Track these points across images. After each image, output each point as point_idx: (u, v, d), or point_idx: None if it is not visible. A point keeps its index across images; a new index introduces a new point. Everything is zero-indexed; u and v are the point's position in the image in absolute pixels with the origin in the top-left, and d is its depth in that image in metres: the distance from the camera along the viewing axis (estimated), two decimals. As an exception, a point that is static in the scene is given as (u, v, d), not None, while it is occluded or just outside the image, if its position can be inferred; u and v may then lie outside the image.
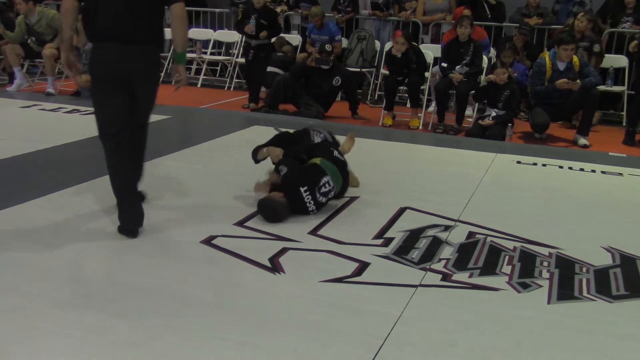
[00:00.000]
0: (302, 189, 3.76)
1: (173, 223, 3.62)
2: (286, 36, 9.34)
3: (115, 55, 3.32)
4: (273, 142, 4.27)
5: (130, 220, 3.40)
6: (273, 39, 8.13)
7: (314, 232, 3.58)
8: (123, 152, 3.45)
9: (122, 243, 3.30)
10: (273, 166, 4.09)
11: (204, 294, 2.78)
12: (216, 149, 5.50)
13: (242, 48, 8.01)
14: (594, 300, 2.93)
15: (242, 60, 8.49)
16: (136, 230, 3.39)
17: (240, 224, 3.65)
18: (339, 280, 2.98)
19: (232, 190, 4.22)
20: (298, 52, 9.02)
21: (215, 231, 3.49)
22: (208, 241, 3.37)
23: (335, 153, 4.11)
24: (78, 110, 6.93)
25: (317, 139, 4.29)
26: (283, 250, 3.28)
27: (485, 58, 7.55)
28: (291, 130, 4.52)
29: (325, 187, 3.84)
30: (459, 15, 7.63)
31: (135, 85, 3.41)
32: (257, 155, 4.25)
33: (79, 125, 6.23)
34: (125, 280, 2.87)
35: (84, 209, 3.76)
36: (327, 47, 7.71)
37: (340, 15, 9.32)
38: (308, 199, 3.78)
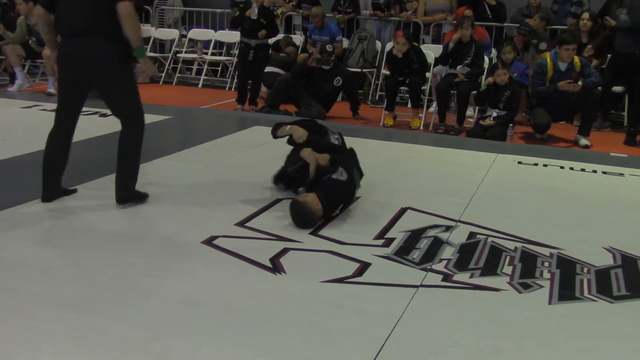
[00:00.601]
0: (342, 203, 3.81)
1: (174, 223, 3.62)
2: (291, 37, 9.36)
3: (70, 48, 3.63)
4: (298, 124, 4.15)
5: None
6: (271, 40, 8.12)
7: (314, 232, 3.58)
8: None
9: (123, 243, 3.30)
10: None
11: (205, 294, 2.78)
12: (217, 149, 5.50)
13: (238, 49, 7.96)
14: (595, 300, 2.92)
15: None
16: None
17: (241, 224, 3.65)
18: (340, 280, 2.98)
19: (233, 191, 4.22)
20: (299, 52, 9.03)
21: (216, 231, 3.49)
22: (209, 241, 3.36)
23: (358, 163, 4.11)
24: (79, 111, 6.93)
25: (334, 141, 4.19)
26: (284, 251, 3.28)
27: (486, 58, 7.55)
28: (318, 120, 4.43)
29: (351, 203, 3.96)
30: (460, 16, 7.63)
31: (91, 79, 3.70)
32: (277, 131, 4.10)
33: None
34: (126, 281, 2.87)
35: (85, 209, 3.76)
36: (328, 47, 7.71)
37: (341, 15, 9.32)
38: (339, 208, 3.82)
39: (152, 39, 10.45)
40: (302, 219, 3.63)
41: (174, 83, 9.86)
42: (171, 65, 10.20)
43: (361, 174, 4.07)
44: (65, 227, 3.48)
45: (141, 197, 3.90)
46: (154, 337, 2.41)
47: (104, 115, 6.75)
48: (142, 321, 2.52)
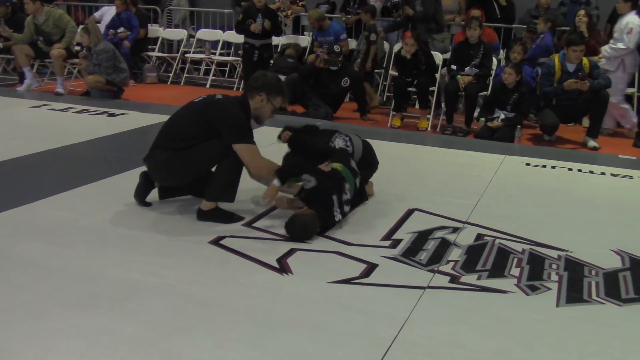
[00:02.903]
0: (334, 197, 3.57)
1: (181, 223, 3.62)
2: (297, 37, 9.37)
3: None
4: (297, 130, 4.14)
5: None
6: (279, 42, 8.12)
7: (321, 233, 3.57)
8: None
9: (131, 243, 3.31)
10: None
11: (212, 294, 2.78)
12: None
13: (242, 50, 7.96)
14: (603, 303, 2.91)
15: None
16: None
17: (249, 224, 3.66)
18: (347, 281, 2.98)
19: (240, 191, 4.21)
20: (307, 53, 9.03)
21: (223, 231, 3.49)
22: (216, 241, 3.37)
23: (353, 164, 3.90)
24: (87, 110, 6.97)
25: (337, 144, 4.08)
26: (291, 251, 3.28)
27: (494, 60, 7.53)
28: (319, 124, 4.35)
29: (346, 195, 3.66)
30: (468, 17, 7.62)
31: None
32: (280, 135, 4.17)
33: (89, 125, 6.26)
34: (134, 280, 2.87)
35: (93, 209, 3.77)
36: (336, 47, 7.70)
37: (349, 16, 9.32)
38: (336, 206, 3.58)
39: (160, 39, 10.48)
40: (304, 227, 3.47)
41: (182, 83, 9.88)
42: (179, 66, 10.23)
43: (354, 174, 3.85)
44: (72, 227, 3.50)
45: (219, 216, 3.67)
46: (161, 336, 2.42)
47: (112, 115, 6.79)
48: (150, 320, 2.53)
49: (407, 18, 8.39)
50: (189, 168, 3.61)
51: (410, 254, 3.34)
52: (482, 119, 6.85)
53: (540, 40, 7.75)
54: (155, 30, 10.60)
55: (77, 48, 8.66)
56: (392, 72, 8.02)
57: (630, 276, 3.21)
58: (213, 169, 3.69)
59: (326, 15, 8.73)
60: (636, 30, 7.12)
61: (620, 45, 7.20)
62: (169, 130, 3.69)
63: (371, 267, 3.14)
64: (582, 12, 7.62)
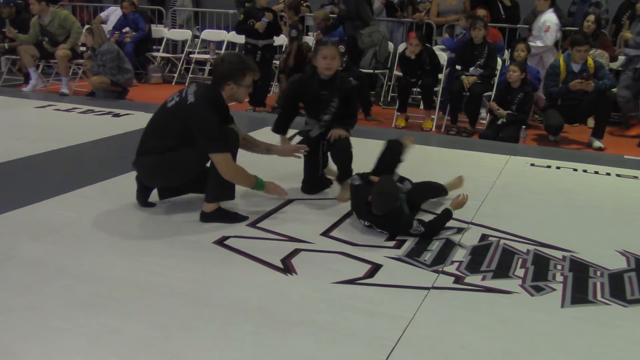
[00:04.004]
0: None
1: (186, 224, 3.63)
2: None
3: None
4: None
5: None
6: (283, 42, 8.14)
7: (326, 233, 3.58)
8: None
9: (135, 243, 3.32)
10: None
11: (216, 294, 2.78)
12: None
13: (244, 50, 7.96)
14: (608, 304, 2.90)
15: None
16: None
17: (253, 224, 3.66)
18: (351, 281, 2.97)
19: (244, 191, 4.22)
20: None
21: (227, 232, 3.50)
22: (220, 242, 3.37)
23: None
24: (92, 111, 6.98)
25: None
26: (295, 252, 3.28)
27: (499, 60, 7.52)
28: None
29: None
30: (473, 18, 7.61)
31: None
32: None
33: (94, 125, 6.27)
34: (139, 280, 2.88)
35: (98, 209, 3.78)
36: (340, 47, 7.69)
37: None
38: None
39: (165, 39, 10.50)
40: (391, 196, 3.52)
41: (186, 83, 9.89)
42: (184, 66, 10.24)
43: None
44: (77, 227, 3.50)
45: (223, 216, 3.68)
46: (165, 336, 2.42)
47: (117, 115, 6.80)
48: (154, 320, 2.53)
49: (337, 19, 8.42)
50: (178, 169, 3.60)
51: (414, 255, 3.34)
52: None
53: (463, 35, 7.91)
54: (160, 30, 10.62)
55: (82, 49, 8.68)
56: (397, 73, 8.01)
57: (635, 277, 3.20)
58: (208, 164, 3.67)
59: (331, 15, 8.73)
60: (553, 29, 7.45)
61: (539, 43, 7.51)
62: (148, 136, 3.68)
63: (375, 268, 3.13)
64: (592, 17, 7.60)
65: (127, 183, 4.23)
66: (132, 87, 8.21)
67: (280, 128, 4.43)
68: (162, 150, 3.55)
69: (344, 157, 4.24)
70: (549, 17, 7.52)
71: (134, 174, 3.83)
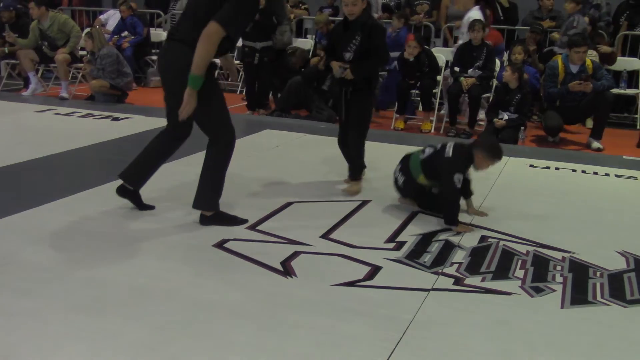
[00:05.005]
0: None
1: (185, 227, 3.63)
2: (299, 40, 9.38)
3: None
4: None
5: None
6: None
7: (325, 235, 3.58)
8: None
9: (135, 247, 3.32)
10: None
11: (216, 297, 2.79)
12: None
13: (242, 53, 7.95)
14: (608, 305, 2.90)
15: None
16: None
17: (253, 227, 3.66)
18: (351, 284, 2.98)
19: (243, 194, 4.23)
20: (310, 56, 9.04)
21: (227, 235, 3.50)
22: (220, 245, 3.37)
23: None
24: (92, 115, 6.99)
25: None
26: (295, 254, 3.28)
27: (498, 62, 7.53)
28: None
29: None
30: (472, 20, 7.63)
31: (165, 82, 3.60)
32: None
33: (93, 129, 6.28)
34: (139, 284, 2.88)
35: (98, 213, 3.78)
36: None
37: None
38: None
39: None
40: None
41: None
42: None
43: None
44: (77, 231, 3.51)
45: (222, 219, 3.67)
46: (166, 340, 2.43)
47: (117, 119, 6.81)
48: (155, 324, 2.54)
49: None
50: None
51: (414, 256, 3.34)
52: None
53: (396, 34, 8.01)
54: (159, 34, 10.63)
55: (82, 53, 8.70)
56: (396, 75, 8.01)
57: (635, 277, 3.20)
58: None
59: (330, 18, 8.75)
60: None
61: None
62: (181, 21, 3.59)
63: (375, 270, 3.14)
64: (586, 19, 7.64)
65: (126, 187, 4.24)
66: (131, 90, 8.22)
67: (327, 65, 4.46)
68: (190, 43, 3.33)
69: (352, 151, 4.39)
70: (474, 14, 7.70)
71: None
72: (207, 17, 3.28)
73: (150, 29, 10.68)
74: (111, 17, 10.50)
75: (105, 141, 5.76)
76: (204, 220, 3.65)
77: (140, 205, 3.86)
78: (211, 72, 3.48)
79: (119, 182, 3.81)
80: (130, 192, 3.82)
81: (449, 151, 3.83)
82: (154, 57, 10.36)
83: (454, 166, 3.78)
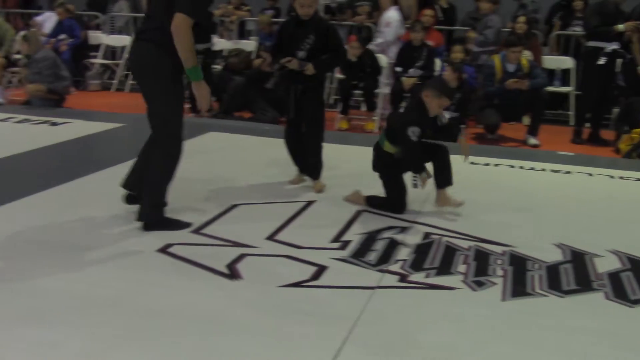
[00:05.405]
0: None
1: (128, 232, 3.57)
2: (242, 42, 9.34)
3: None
4: None
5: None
6: (223, 47, 8.08)
7: (271, 237, 3.58)
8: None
9: (75, 254, 3.24)
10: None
11: (161, 303, 2.75)
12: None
13: None
14: (546, 295, 3.00)
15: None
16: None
17: (197, 231, 3.63)
18: (297, 284, 2.99)
19: (187, 197, 4.18)
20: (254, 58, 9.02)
21: (171, 239, 3.46)
22: (164, 249, 3.33)
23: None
24: (29, 120, 6.78)
25: None
26: (241, 257, 3.27)
27: (438, 62, 7.67)
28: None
29: None
30: (414, 20, 7.79)
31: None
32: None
33: (30, 135, 6.09)
34: (80, 292, 2.81)
35: (37, 221, 3.67)
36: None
37: None
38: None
39: (103, 46, 10.30)
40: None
41: (126, 90, 9.73)
42: (124, 72, 10.05)
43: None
44: (15, 239, 3.40)
45: (168, 225, 3.61)
46: (109, 348, 2.38)
47: (55, 124, 6.63)
48: (98, 332, 2.48)
49: None
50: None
51: (359, 255, 3.38)
52: None
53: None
54: (98, 37, 10.40)
55: (18, 56, 8.43)
56: (338, 75, 8.07)
57: (571, 268, 3.32)
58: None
59: (273, 20, 8.76)
60: (394, 25, 7.92)
61: (381, 39, 7.94)
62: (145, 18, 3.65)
63: (321, 270, 3.16)
64: (523, 18, 7.89)
65: (65, 194, 4.14)
66: (69, 94, 8.01)
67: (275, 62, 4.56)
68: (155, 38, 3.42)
69: (312, 152, 4.48)
70: (392, 14, 8.04)
71: (72, 184, 3.75)
72: (164, 12, 3.33)
73: (89, 31, 10.46)
74: (48, 20, 10.20)
75: (44, 147, 5.59)
76: (147, 226, 3.60)
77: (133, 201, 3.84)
78: (179, 74, 3.50)
79: (59, 189, 3.73)
80: (137, 198, 3.77)
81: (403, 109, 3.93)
82: (93, 60, 10.15)
83: (406, 118, 3.92)
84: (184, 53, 3.35)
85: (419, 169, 3.94)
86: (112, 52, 10.73)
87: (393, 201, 4.09)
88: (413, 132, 3.86)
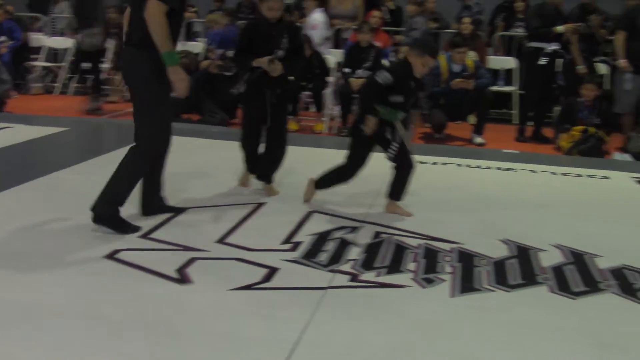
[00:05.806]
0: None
1: (75, 239, 3.48)
2: (188, 43, 9.24)
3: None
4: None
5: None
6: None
7: (221, 240, 3.55)
8: None
9: (19, 262, 3.14)
10: None
11: (110, 310, 2.69)
12: (119, 160, 5.32)
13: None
14: (493, 290, 3.07)
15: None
16: None
17: (145, 236, 3.57)
18: (248, 287, 2.97)
19: (135, 201, 4.10)
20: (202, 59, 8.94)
21: (119, 245, 3.39)
22: (111, 256, 3.26)
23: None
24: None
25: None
26: (191, 261, 3.23)
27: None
28: None
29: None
30: (361, 21, 7.86)
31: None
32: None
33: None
34: (25, 301, 2.73)
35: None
36: (229, 53, 7.66)
37: (243, 22, 9.30)
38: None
39: (45, 48, 10.04)
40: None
41: (70, 93, 9.51)
42: (67, 75, 9.81)
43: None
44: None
45: (117, 225, 3.57)
46: (56, 357, 2.32)
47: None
48: (44, 341, 2.41)
49: None
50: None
51: (310, 256, 3.38)
52: None
53: (226, 30, 8.49)
54: (39, 39, 10.13)
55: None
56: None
57: (517, 263, 3.41)
58: None
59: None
60: (320, 27, 8.17)
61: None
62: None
63: (272, 272, 3.15)
64: (468, 19, 8.06)
65: (6, 201, 4.02)
66: (10, 98, 7.79)
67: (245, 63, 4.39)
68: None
69: (278, 159, 4.45)
70: (317, 17, 8.24)
71: (13, 191, 3.64)
72: (140, 8, 3.35)
73: (30, 33, 10.18)
74: (-14, 22, 9.88)
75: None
76: (98, 219, 3.54)
77: (172, 209, 3.94)
78: (163, 74, 3.46)
79: (8, 193, 3.59)
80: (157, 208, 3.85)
81: None
82: (34, 63, 9.88)
83: (384, 69, 3.99)
84: (157, 38, 3.36)
85: (369, 110, 3.92)
86: (54, 55, 10.47)
87: (346, 168, 4.13)
88: (384, 76, 3.88)
